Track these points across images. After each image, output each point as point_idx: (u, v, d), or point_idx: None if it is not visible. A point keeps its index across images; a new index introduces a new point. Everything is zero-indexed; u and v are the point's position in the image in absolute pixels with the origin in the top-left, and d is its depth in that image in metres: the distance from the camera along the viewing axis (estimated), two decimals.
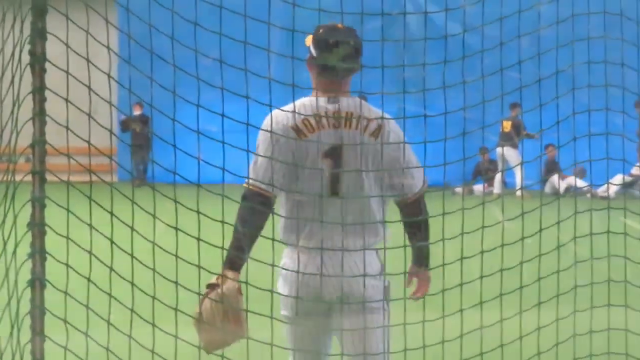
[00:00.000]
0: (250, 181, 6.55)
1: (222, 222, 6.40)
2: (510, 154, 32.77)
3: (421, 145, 6.74)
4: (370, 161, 6.60)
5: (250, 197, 6.53)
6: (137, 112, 34.05)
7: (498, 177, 33.92)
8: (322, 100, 6.62)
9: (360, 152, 6.56)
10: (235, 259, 6.47)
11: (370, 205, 6.63)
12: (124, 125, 33.53)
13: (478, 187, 32.58)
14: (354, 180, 6.56)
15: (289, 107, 6.58)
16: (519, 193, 12.21)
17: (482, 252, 6.94)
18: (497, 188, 33.20)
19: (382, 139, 6.59)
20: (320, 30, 6.69)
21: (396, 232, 6.90)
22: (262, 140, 6.61)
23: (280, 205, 6.73)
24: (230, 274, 6.41)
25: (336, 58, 6.54)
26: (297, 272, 6.50)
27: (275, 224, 6.79)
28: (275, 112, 6.58)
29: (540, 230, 7.11)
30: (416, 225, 6.79)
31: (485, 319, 7.02)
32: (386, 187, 6.67)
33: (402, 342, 6.59)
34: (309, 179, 6.56)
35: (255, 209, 6.49)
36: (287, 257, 6.68)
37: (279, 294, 6.69)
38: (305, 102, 6.64)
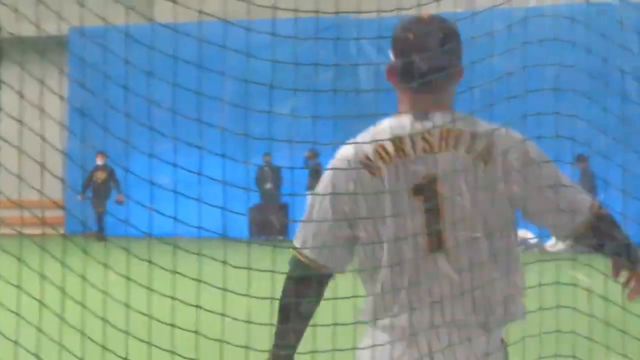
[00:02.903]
0: (302, 250, 5.07)
1: (174, 271, 6.21)
2: None
3: None
4: (477, 193, 4.77)
5: (299, 271, 5.09)
6: (100, 161, 34.34)
7: None
8: (407, 119, 4.88)
9: (462, 183, 4.76)
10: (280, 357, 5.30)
11: (492, 262, 4.80)
12: (89, 177, 34.01)
13: None
14: (465, 225, 4.72)
15: (362, 136, 4.94)
16: None
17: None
18: None
19: (495, 164, 4.79)
20: (399, 28, 5.01)
21: None
22: (321, 188, 5.00)
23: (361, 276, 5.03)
24: None
25: (421, 60, 4.82)
26: None
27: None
28: (344, 147, 5.02)
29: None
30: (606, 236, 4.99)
31: None
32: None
33: None
34: (392, 234, 4.74)
35: (309, 292, 5.09)
36: (371, 341, 4.93)
37: None
38: (385, 125, 4.92)
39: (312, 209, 5.00)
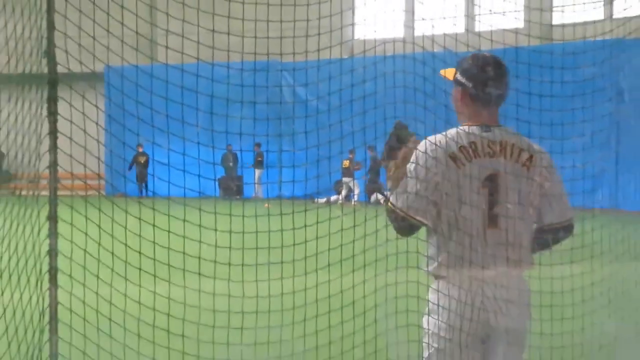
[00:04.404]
0: (404, 208, 4.62)
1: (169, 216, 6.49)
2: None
3: None
4: (522, 191, 4.67)
5: (402, 220, 4.66)
6: (140, 149, 34.80)
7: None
8: (476, 129, 4.70)
9: (512, 182, 4.64)
10: None
11: (523, 236, 4.70)
12: (133, 159, 34.54)
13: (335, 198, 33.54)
14: (509, 211, 4.63)
15: (440, 136, 4.70)
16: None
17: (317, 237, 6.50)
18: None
19: (533, 170, 4.70)
20: (470, 61, 4.82)
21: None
22: (419, 165, 4.64)
23: (429, 236, 4.74)
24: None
25: (494, 86, 4.70)
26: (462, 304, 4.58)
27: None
28: (432, 137, 4.73)
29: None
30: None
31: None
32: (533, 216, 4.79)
33: None
34: (467, 210, 4.58)
35: (411, 229, 4.71)
36: (440, 291, 4.67)
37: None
38: (460, 131, 4.71)
39: (414, 174, 4.63)
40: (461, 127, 4.75)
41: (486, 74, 4.73)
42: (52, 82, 5.83)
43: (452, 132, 4.71)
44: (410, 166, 4.68)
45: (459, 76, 4.83)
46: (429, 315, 4.72)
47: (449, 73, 4.91)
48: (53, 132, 5.89)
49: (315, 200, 28.16)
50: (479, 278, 4.59)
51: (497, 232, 4.61)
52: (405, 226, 4.67)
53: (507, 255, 4.63)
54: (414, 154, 4.68)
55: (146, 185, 35.09)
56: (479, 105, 4.76)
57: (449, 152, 4.63)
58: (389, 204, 4.68)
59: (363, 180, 34.20)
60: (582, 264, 7.59)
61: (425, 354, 4.75)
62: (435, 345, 4.68)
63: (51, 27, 5.78)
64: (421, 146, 4.68)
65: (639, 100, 28.45)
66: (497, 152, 4.67)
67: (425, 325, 4.75)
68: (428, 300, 4.76)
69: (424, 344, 4.77)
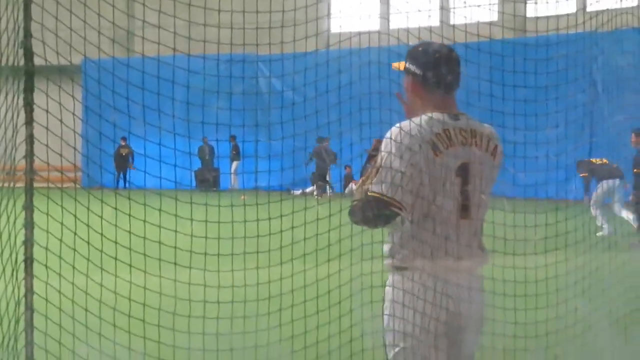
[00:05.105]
0: (385, 193, 4.34)
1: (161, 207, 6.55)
2: None
3: None
4: (484, 180, 4.54)
5: (383, 207, 4.34)
6: (123, 142, 35.05)
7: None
8: (446, 117, 4.50)
9: (482, 171, 4.52)
10: None
11: (482, 225, 4.63)
12: (116, 152, 34.83)
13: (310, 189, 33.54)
14: (479, 200, 4.51)
15: (414, 124, 4.43)
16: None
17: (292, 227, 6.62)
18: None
19: (497, 159, 4.61)
20: (420, 49, 4.67)
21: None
22: (395, 152, 4.38)
23: (396, 227, 4.48)
24: None
25: (444, 72, 4.54)
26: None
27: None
28: (405, 124, 4.45)
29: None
30: None
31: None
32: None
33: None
34: (442, 200, 4.39)
35: (387, 218, 4.40)
36: (406, 283, 4.45)
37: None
38: (434, 118, 4.48)
39: (391, 163, 4.37)
40: (429, 115, 4.50)
41: (435, 60, 4.57)
42: (28, 73, 5.77)
43: (424, 118, 4.48)
44: (386, 155, 4.41)
45: (408, 65, 4.68)
46: (400, 309, 4.46)
47: (401, 65, 4.76)
48: (29, 123, 5.81)
49: (292, 192, 28.20)
50: (453, 268, 4.42)
51: (469, 222, 4.50)
52: (381, 215, 4.37)
53: (477, 245, 4.55)
54: (389, 142, 4.41)
55: (124, 178, 35.29)
56: (432, 92, 4.59)
57: (426, 139, 4.40)
58: (371, 193, 4.38)
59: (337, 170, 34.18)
60: (556, 253, 7.63)
61: (391, 355, 4.51)
62: (410, 340, 4.43)
63: (28, 18, 5.74)
64: (395, 134, 4.41)
65: (612, 92, 28.59)
66: (469, 140, 4.52)
67: (391, 323, 4.49)
68: (392, 299, 4.48)
69: (390, 344, 4.52)
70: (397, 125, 4.46)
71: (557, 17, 8.63)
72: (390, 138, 4.42)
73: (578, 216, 8.53)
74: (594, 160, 22.08)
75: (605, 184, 21.18)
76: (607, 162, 21.46)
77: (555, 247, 7.35)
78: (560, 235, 7.65)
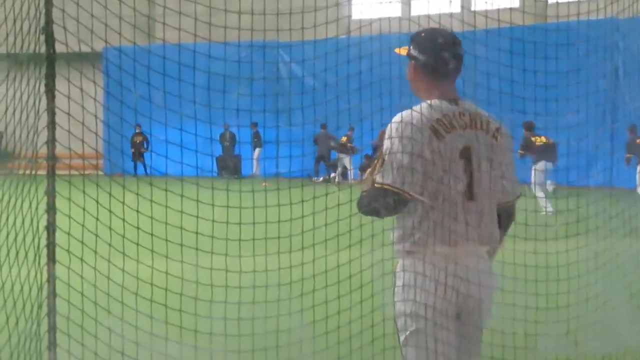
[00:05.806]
0: (392, 184, 4.34)
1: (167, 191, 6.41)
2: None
3: None
4: (494, 163, 4.53)
5: (390, 196, 4.35)
6: (137, 130, 35.24)
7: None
8: (445, 103, 4.49)
9: (487, 154, 4.49)
10: None
11: (493, 210, 4.59)
12: (132, 138, 35.17)
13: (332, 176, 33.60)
14: (486, 182, 4.48)
15: (415, 112, 4.41)
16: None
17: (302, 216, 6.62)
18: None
19: (501, 140, 4.59)
20: (423, 34, 4.67)
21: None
22: (397, 142, 4.36)
23: (406, 213, 4.47)
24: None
25: (446, 57, 4.53)
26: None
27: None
28: (407, 113, 4.44)
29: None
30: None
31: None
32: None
33: None
34: (448, 184, 4.38)
35: (396, 207, 4.41)
36: (417, 266, 4.43)
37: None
38: (433, 105, 4.46)
39: (395, 152, 4.35)
40: (429, 102, 4.51)
41: (437, 46, 4.56)
42: (50, 59, 5.75)
43: (423, 105, 4.48)
44: (390, 142, 4.39)
45: (411, 50, 4.66)
46: (409, 293, 4.45)
47: (404, 50, 4.72)
48: (51, 109, 5.82)
49: (313, 179, 28.20)
50: (462, 250, 4.42)
51: (475, 203, 4.47)
52: (390, 204, 4.38)
53: (486, 227, 4.52)
54: (394, 129, 4.40)
55: (144, 165, 35.45)
56: (433, 78, 4.59)
57: (427, 126, 4.40)
58: (378, 183, 4.38)
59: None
60: (577, 239, 7.59)
61: (402, 338, 4.50)
62: (422, 322, 4.40)
63: (49, 4, 5.72)
64: (397, 123, 4.39)
65: (633, 77, 28.41)
66: (468, 124, 4.52)
67: (402, 307, 4.48)
68: (402, 284, 4.48)
69: (402, 329, 4.50)
70: (399, 114, 4.45)
71: (578, 2, 8.55)
72: (392, 128, 4.42)
73: (599, 202, 8.47)
74: (534, 138, 21.37)
75: (542, 164, 21.06)
76: (547, 140, 20.89)
77: (576, 232, 7.29)
78: (582, 221, 7.60)
